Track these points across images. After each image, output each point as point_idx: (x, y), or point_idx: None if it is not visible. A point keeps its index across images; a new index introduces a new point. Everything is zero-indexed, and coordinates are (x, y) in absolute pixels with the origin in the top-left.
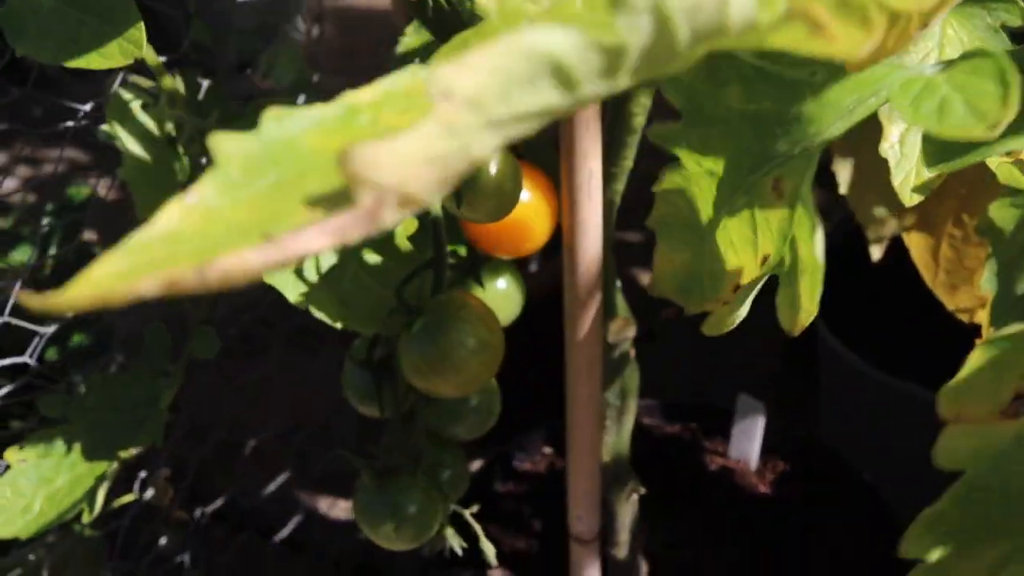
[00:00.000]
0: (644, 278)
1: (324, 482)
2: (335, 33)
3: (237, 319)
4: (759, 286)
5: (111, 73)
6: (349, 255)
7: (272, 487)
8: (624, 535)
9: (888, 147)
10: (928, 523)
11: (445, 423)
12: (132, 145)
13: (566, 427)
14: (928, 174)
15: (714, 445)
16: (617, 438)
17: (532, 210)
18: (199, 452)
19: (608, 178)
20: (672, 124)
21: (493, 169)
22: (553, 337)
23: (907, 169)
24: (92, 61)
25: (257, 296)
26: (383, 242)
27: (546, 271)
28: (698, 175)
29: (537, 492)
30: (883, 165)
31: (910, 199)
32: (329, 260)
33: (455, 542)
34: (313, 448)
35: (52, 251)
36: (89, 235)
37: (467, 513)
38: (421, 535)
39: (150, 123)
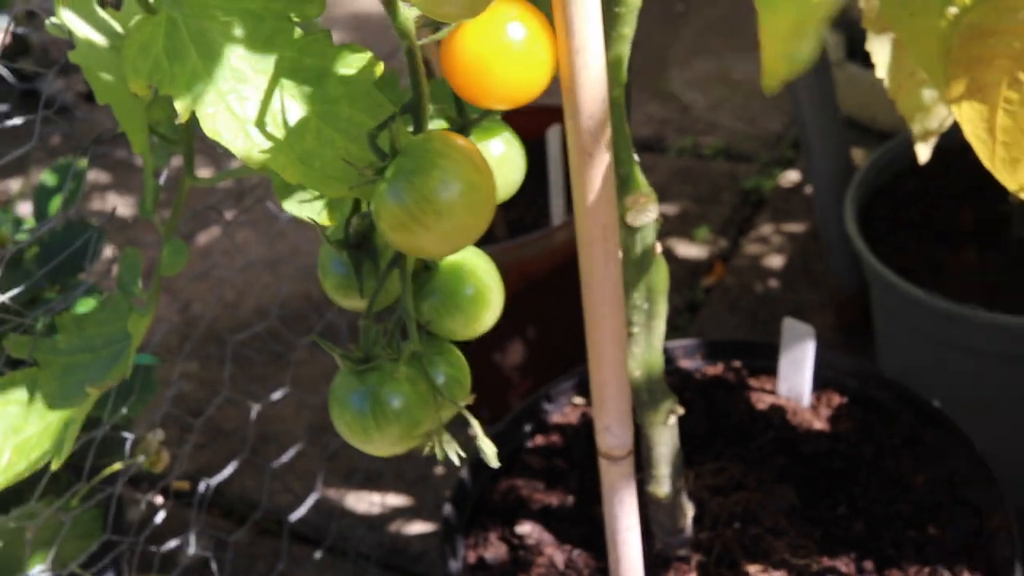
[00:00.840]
0: (682, 248)
1: (350, 479)
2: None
3: (261, 321)
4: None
5: None
6: (310, 109)
7: (295, 483)
8: (663, 468)
9: None
10: None
11: (437, 313)
12: (85, 30)
13: (584, 316)
14: None
15: (761, 383)
16: (647, 348)
17: (527, 47)
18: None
19: (613, 19)
20: None
21: None
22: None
23: None
24: None
25: (280, 296)
26: (348, 89)
27: (572, 226)
28: None
29: (568, 445)
30: (929, 33)
31: None
32: (291, 114)
33: (450, 448)
34: (343, 448)
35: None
36: (108, 252)
37: (460, 407)
38: (406, 435)
39: (103, 16)
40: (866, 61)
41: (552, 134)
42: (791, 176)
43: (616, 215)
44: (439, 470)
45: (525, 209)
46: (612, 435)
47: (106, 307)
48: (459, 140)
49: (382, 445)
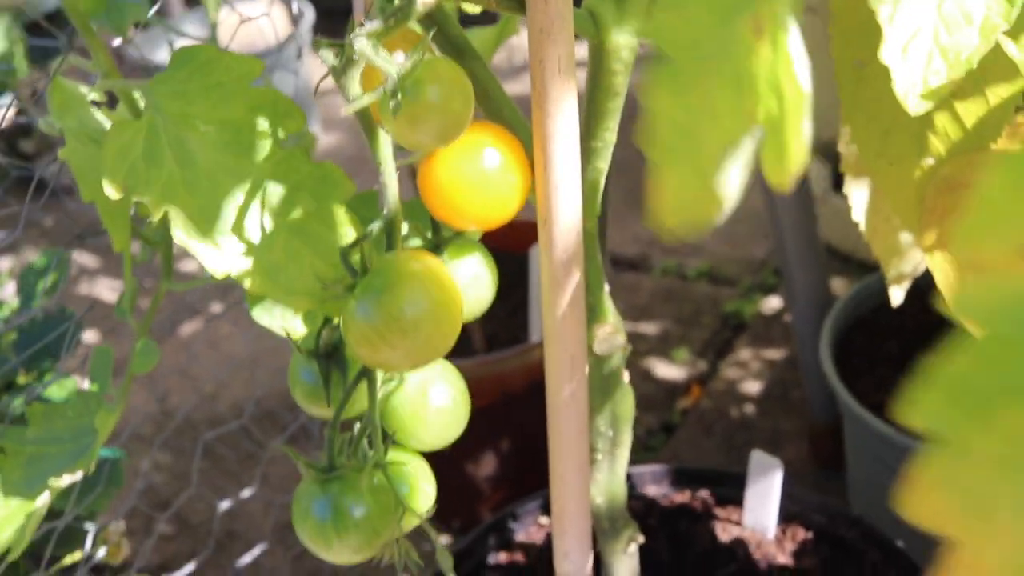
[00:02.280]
0: (660, 369)
1: None
2: None
3: (237, 418)
4: (746, 157)
5: None
6: (280, 223)
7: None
8: None
9: (890, 54)
10: (943, 385)
11: (403, 424)
12: (75, 135)
13: (548, 441)
14: (938, 81)
15: (727, 513)
16: (610, 475)
17: (501, 174)
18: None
19: (589, 153)
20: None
21: (436, 82)
22: None
23: (912, 77)
24: None
25: (256, 395)
26: (319, 206)
27: None
28: (684, 58)
29: (531, 564)
30: (904, 182)
31: (917, 106)
32: (261, 226)
33: (410, 558)
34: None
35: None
36: (89, 336)
37: (422, 518)
38: (367, 544)
39: (96, 117)
40: None
41: (535, 252)
42: (772, 302)
43: (584, 346)
44: None
45: (504, 323)
46: (570, 561)
47: (76, 402)
48: (428, 259)
49: (342, 553)
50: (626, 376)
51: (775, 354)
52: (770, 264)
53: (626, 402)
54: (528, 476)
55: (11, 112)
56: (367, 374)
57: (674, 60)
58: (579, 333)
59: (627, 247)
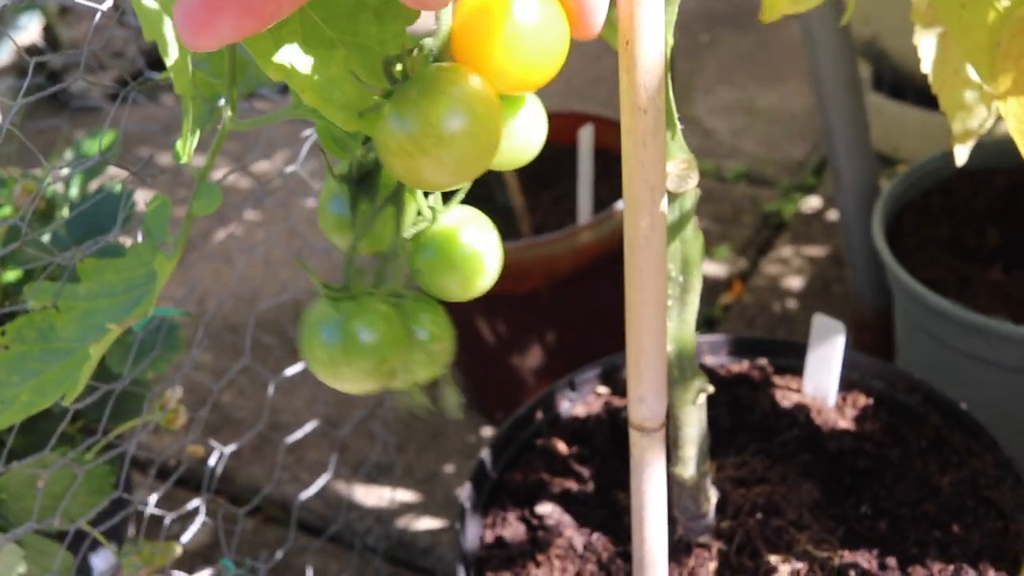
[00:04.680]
0: None
1: (359, 471)
2: None
3: (276, 321)
4: None
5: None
6: (342, 38)
7: (303, 473)
8: (690, 449)
9: None
10: None
11: (430, 267)
12: None
13: (624, 281)
14: None
15: (786, 382)
16: (680, 323)
17: (542, 25)
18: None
19: None
20: None
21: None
22: (607, 295)
23: None
24: None
25: (293, 293)
26: (380, 27)
27: (598, 226)
28: None
29: (590, 432)
30: (977, 25)
31: None
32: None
33: (420, 398)
34: (354, 440)
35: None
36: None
37: (438, 365)
38: (376, 372)
39: None
40: (892, 92)
41: (584, 134)
42: (812, 202)
43: (664, 177)
44: (450, 467)
45: (550, 211)
46: (647, 406)
47: (129, 255)
48: (471, 74)
49: (348, 378)
50: (696, 221)
51: (816, 251)
52: (808, 165)
53: (697, 246)
54: (573, 364)
55: (39, 28)
56: (396, 199)
57: None
58: (660, 162)
59: None
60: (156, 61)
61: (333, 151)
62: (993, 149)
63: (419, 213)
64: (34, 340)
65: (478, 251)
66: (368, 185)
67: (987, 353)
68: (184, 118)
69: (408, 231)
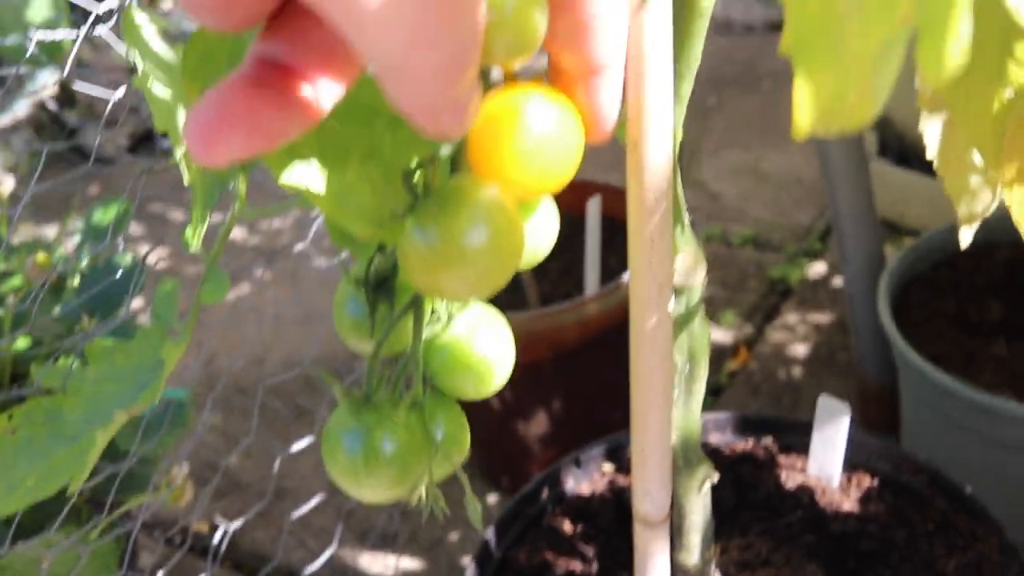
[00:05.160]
0: None
1: (365, 538)
2: None
3: (285, 385)
4: (900, 53)
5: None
6: (358, 144)
7: (310, 539)
8: (694, 536)
9: None
10: None
11: (445, 368)
12: (148, 62)
13: (630, 384)
14: None
15: (791, 461)
16: (685, 412)
17: (558, 132)
18: (240, 506)
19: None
20: None
21: None
22: (613, 367)
23: None
24: None
25: (302, 356)
26: (394, 133)
27: (605, 298)
28: None
29: (595, 511)
30: (982, 114)
31: None
32: (338, 147)
33: (437, 503)
34: (360, 507)
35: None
36: (136, 303)
37: (456, 465)
38: (397, 482)
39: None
40: (897, 159)
41: (592, 206)
42: (818, 268)
43: (672, 276)
44: (454, 535)
45: (558, 281)
46: (651, 499)
47: (138, 339)
48: (492, 186)
49: (369, 489)
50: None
51: (822, 318)
52: (815, 230)
53: (704, 337)
54: (578, 435)
55: (55, 83)
56: (415, 307)
57: None
58: (667, 260)
59: None
60: None
61: (343, 244)
62: (995, 223)
63: (433, 311)
64: (41, 423)
65: (492, 354)
66: (385, 290)
67: (992, 431)
68: (194, 207)
69: (423, 332)
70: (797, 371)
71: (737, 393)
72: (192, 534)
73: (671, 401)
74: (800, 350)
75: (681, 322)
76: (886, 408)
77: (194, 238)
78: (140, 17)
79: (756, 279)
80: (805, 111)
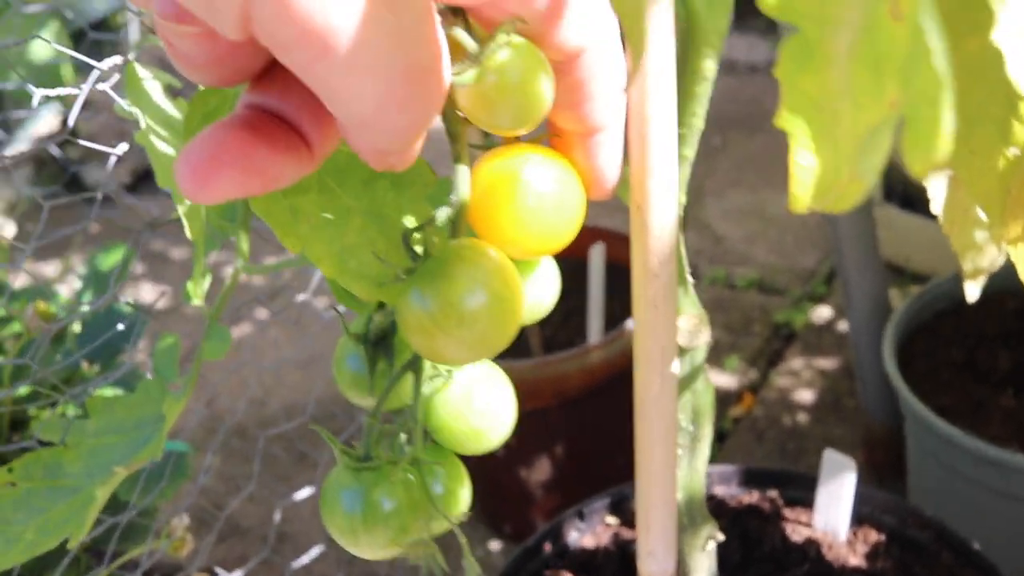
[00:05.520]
0: (711, 377)
1: None
2: None
3: (288, 420)
4: (889, 136)
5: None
6: (358, 207)
7: None
8: None
9: (1005, 35)
10: None
11: (446, 424)
12: (150, 118)
13: (634, 440)
14: None
15: (796, 515)
16: (690, 471)
17: (559, 193)
18: (241, 552)
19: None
20: None
21: (518, 62)
22: (617, 414)
23: None
24: None
25: (304, 399)
26: (396, 193)
27: (608, 346)
28: (816, 38)
29: (599, 565)
30: (988, 172)
31: None
32: (338, 208)
33: (435, 561)
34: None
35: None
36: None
37: (453, 524)
38: (395, 540)
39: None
40: (903, 204)
41: (595, 252)
42: (823, 312)
43: (675, 337)
44: None
45: (561, 328)
46: (655, 560)
47: (139, 391)
48: (492, 251)
49: (367, 547)
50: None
51: (827, 363)
52: (820, 274)
53: (708, 397)
54: (582, 483)
55: (56, 120)
56: (414, 365)
57: (808, 36)
58: (671, 323)
59: None
60: None
61: (344, 301)
62: (1004, 272)
63: (434, 366)
64: (41, 477)
65: (492, 411)
66: (385, 346)
67: (999, 484)
68: (195, 262)
69: (423, 388)
70: (802, 417)
71: (742, 439)
72: None
73: (675, 463)
74: (805, 396)
75: (685, 383)
76: (892, 453)
77: (196, 292)
78: (143, 72)
79: (760, 323)
80: (802, 186)
